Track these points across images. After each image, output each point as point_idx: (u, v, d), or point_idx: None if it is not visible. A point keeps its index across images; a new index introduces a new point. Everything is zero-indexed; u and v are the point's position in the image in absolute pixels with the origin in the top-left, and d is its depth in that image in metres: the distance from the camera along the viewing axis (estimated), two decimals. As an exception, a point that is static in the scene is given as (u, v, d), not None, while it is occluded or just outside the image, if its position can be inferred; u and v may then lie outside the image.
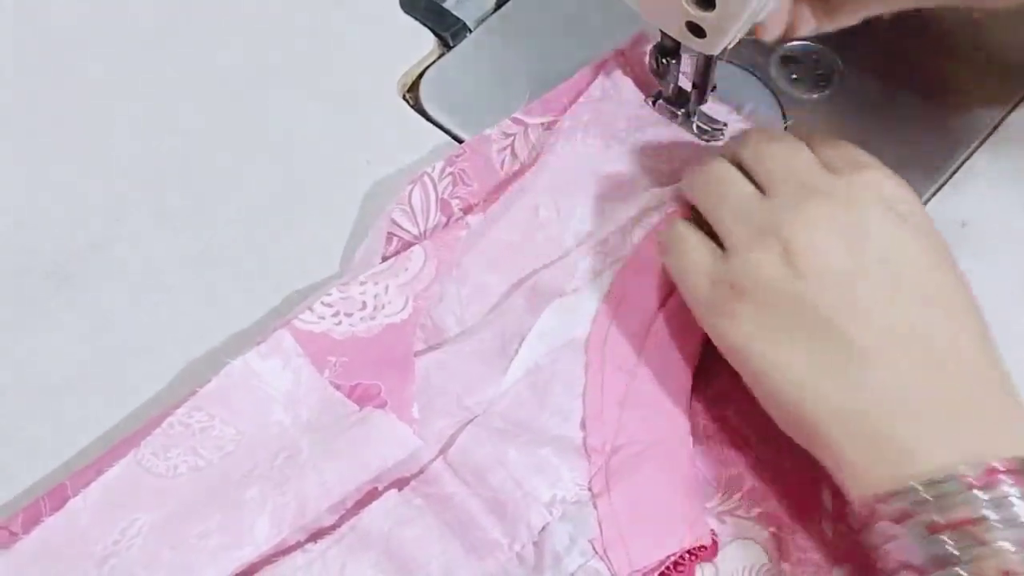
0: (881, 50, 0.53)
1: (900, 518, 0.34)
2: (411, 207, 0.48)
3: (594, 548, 0.40)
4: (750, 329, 0.38)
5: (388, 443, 0.41)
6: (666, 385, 0.43)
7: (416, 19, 0.55)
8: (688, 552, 0.40)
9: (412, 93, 0.54)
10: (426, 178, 0.48)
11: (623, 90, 0.51)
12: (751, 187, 0.40)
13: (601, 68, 0.51)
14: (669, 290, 0.45)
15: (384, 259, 0.46)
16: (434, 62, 0.54)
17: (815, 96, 0.52)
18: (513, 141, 0.50)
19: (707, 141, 0.49)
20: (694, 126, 0.49)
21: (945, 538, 0.33)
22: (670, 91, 0.49)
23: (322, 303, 0.44)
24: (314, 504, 0.40)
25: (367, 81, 0.54)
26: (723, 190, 0.41)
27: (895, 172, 0.40)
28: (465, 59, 0.54)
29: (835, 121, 0.51)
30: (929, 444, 0.35)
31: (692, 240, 0.41)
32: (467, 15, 0.55)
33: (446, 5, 0.56)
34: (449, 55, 0.54)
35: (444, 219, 0.48)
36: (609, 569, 0.40)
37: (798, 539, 0.41)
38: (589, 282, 0.46)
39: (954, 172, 0.50)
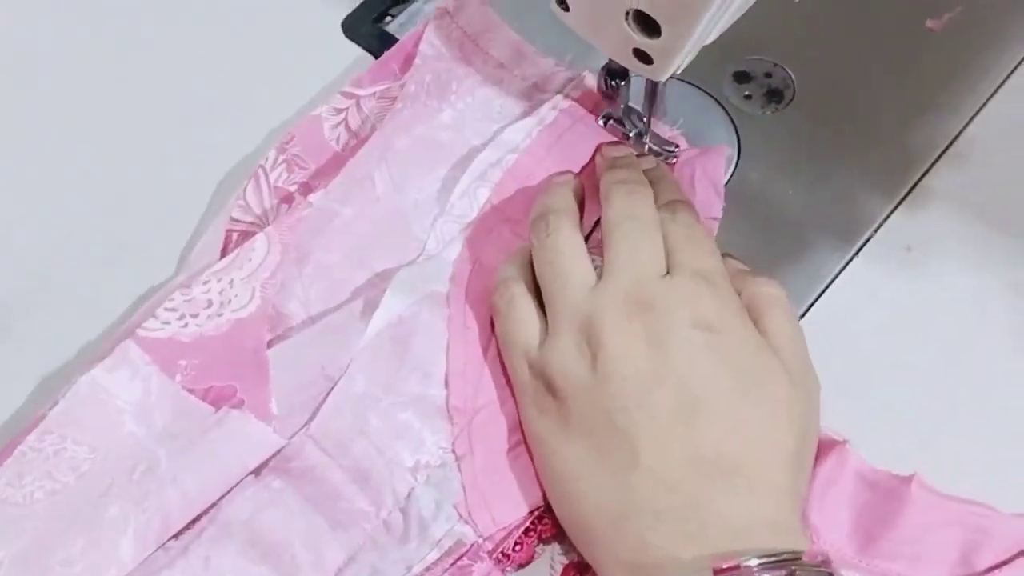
0: (835, 65, 0.52)
1: None
2: (246, 201, 0.47)
3: (459, 513, 0.40)
4: (551, 424, 0.39)
5: (247, 445, 0.41)
6: None
7: (359, 45, 0.53)
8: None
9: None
10: (259, 170, 0.47)
11: (453, 49, 0.50)
12: (591, 276, 0.41)
13: (426, 28, 0.50)
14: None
15: (224, 255, 0.45)
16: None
17: (768, 113, 0.51)
18: (346, 116, 0.49)
19: (664, 160, 0.48)
20: (646, 147, 0.48)
21: None
22: (620, 112, 0.48)
23: (165, 309, 0.43)
24: (177, 517, 0.39)
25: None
26: (564, 276, 0.41)
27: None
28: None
29: (788, 138, 0.50)
30: (675, 551, 0.35)
31: (522, 312, 0.42)
32: (410, 40, 0.53)
33: (388, 29, 0.54)
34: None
35: (283, 205, 0.47)
36: (475, 532, 0.40)
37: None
38: (443, 248, 0.46)
39: (911, 191, 0.48)
